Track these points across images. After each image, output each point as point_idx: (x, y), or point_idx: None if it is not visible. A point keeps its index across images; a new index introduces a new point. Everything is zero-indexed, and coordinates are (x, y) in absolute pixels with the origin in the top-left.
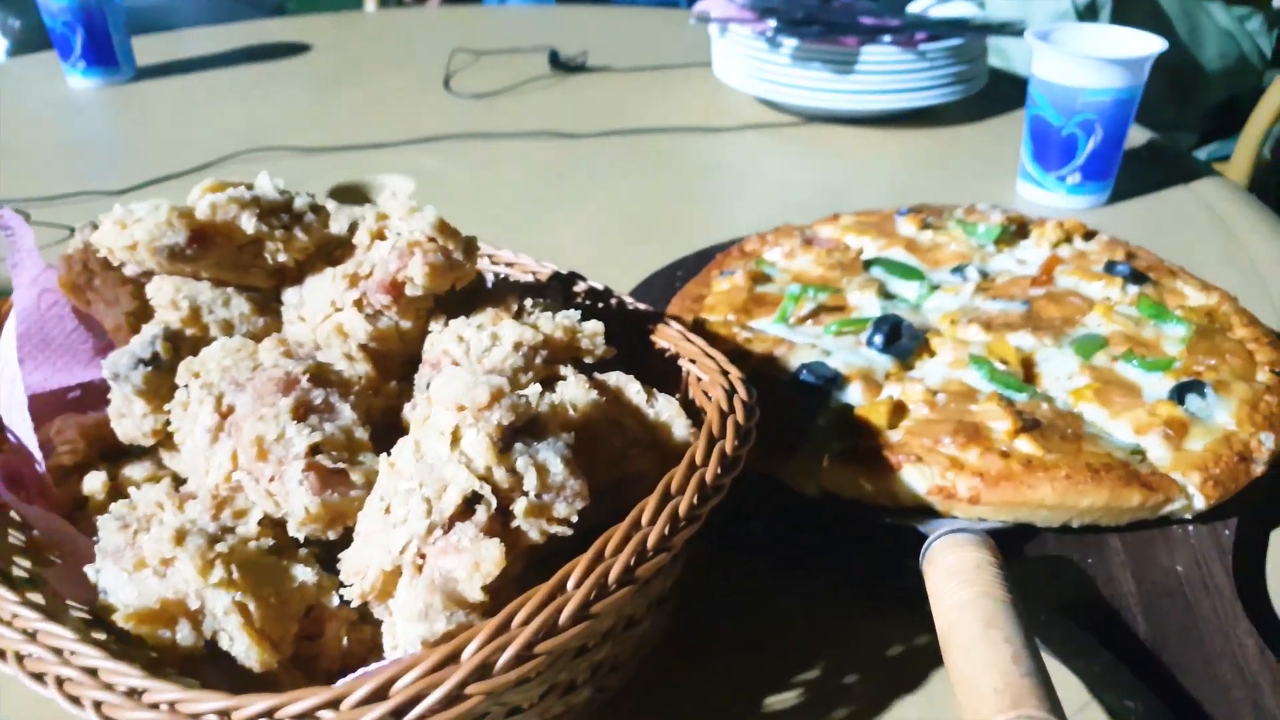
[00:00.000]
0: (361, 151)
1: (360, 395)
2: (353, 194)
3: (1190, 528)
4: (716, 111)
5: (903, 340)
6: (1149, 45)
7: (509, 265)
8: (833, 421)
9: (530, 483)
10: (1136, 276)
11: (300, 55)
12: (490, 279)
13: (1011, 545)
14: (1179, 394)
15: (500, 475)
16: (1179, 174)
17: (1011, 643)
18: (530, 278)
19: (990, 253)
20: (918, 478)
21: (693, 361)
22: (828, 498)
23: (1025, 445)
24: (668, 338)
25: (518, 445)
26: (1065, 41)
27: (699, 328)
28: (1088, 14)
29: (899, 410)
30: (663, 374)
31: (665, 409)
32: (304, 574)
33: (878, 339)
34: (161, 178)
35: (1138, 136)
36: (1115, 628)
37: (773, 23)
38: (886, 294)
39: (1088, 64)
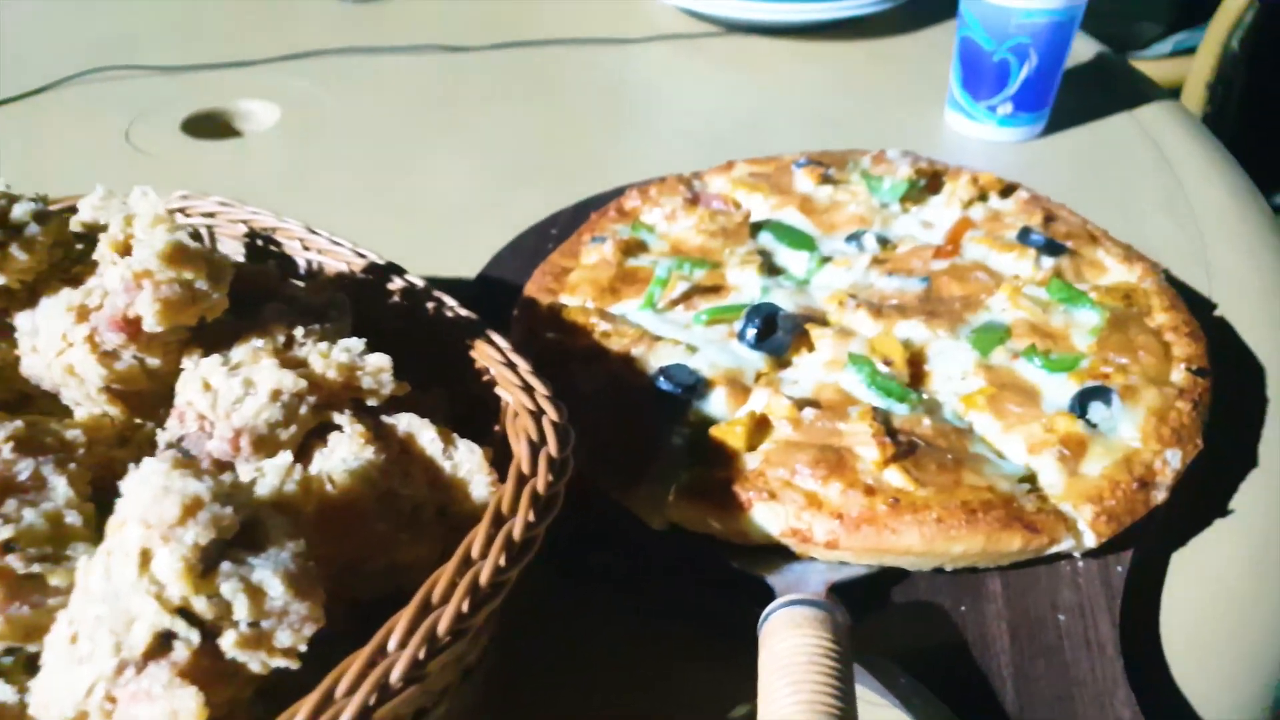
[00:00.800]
0: (226, 70)
1: (90, 453)
2: (211, 124)
3: (1080, 563)
4: (627, 18)
5: (778, 334)
6: None
7: (321, 253)
8: (689, 440)
9: (241, 611)
10: (1052, 247)
11: None
12: (303, 265)
13: (877, 588)
14: (1081, 403)
15: (201, 605)
16: (1125, 98)
17: None
18: (345, 268)
19: (894, 213)
20: (771, 517)
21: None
22: (676, 532)
23: (895, 478)
24: (487, 359)
25: (225, 565)
26: None
27: (553, 320)
28: None
29: (762, 427)
30: (486, 400)
31: (465, 461)
32: (2, 693)
33: (749, 333)
34: None
35: (1083, 50)
36: (982, 698)
37: None
38: (772, 269)
39: None
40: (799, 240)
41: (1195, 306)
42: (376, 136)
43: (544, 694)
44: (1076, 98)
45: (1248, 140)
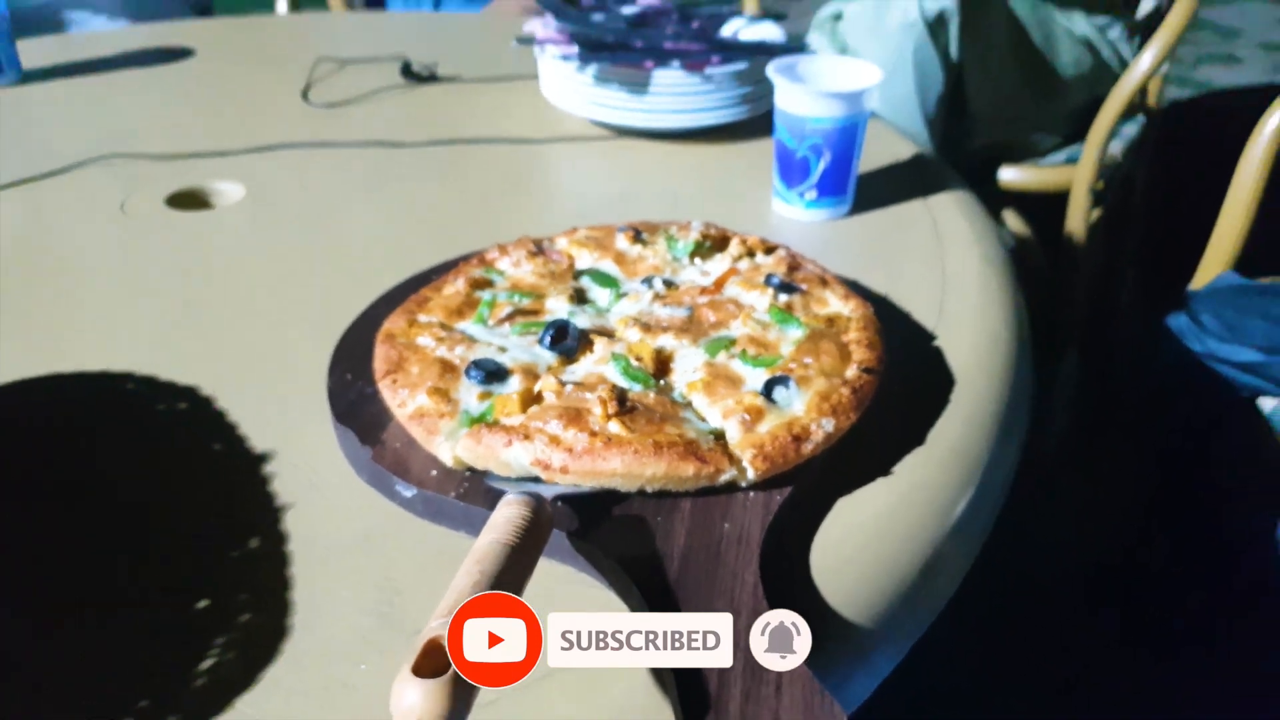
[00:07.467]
0: (207, 159)
1: None
2: (190, 199)
3: (750, 494)
4: (540, 124)
5: (567, 340)
6: (866, 78)
7: None
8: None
9: None
10: (787, 287)
11: (181, 60)
12: None
13: (602, 506)
14: (768, 387)
15: None
16: (924, 187)
17: (484, 574)
18: None
19: (683, 265)
20: (523, 453)
21: None
22: (466, 467)
23: (615, 427)
24: None
25: None
26: (805, 73)
27: (405, 330)
28: (937, 25)
29: (537, 398)
30: None
31: None
32: None
33: (546, 338)
34: (16, 181)
35: (902, 150)
36: (654, 574)
37: (575, 47)
38: (582, 300)
39: (810, 96)
40: (607, 281)
41: (920, 336)
42: (324, 211)
43: None
44: (885, 187)
45: (1157, 235)
